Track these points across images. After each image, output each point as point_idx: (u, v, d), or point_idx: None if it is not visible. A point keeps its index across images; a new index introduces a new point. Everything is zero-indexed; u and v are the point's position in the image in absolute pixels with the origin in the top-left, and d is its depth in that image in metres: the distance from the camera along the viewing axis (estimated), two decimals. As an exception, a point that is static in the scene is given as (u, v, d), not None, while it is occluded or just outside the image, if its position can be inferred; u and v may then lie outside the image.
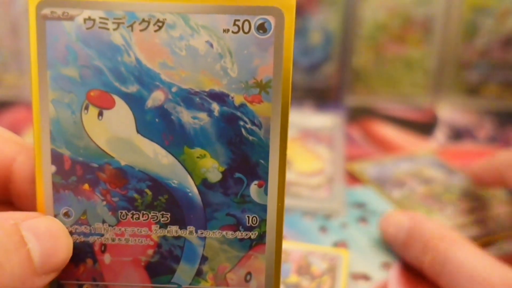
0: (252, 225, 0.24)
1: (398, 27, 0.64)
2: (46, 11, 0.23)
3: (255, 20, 0.22)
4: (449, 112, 0.67)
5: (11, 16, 0.68)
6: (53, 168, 0.24)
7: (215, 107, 0.23)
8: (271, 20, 0.22)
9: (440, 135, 0.62)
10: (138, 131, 0.23)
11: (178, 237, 0.24)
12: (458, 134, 0.62)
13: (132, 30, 0.23)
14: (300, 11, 0.61)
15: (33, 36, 0.23)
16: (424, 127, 0.63)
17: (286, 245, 0.44)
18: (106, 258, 0.24)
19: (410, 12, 0.63)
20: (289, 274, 0.41)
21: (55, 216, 0.24)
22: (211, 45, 0.23)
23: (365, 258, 0.43)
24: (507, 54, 0.64)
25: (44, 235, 0.22)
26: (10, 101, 0.71)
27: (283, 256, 0.43)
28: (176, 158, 0.24)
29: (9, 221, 0.21)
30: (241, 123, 0.23)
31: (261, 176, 0.23)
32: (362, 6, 0.63)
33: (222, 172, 0.24)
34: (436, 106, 0.67)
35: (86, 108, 0.23)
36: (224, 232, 0.24)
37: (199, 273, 0.24)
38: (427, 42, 0.65)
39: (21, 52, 0.70)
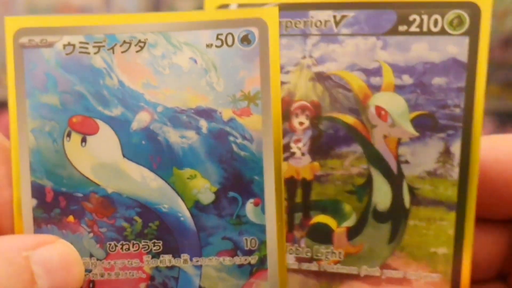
0: (251, 248, 0.21)
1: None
2: (24, 39, 0.21)
3: (239, 33, 0.21)
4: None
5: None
6: (34, 202, 0.21)
7: (203, 124, 0.21)
8: (255, 31, 0.21)
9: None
10: (124, 155, 0.21)
11: (172, 267, 0.22)
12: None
13: (113, 52, 0.21)
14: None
15: (11, 65, 0.21)
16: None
17: None
18: (95, 297, 0.22)
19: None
20: None
21: (38, 254, 0.21)
22: (195, 61, 0.21)
23: None
24: (507, 54, 0.63)
25: (56, 267, 0.19)
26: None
27: None
28: (165, 181, 0.21)
29: (21, 253, 0.19)
30: (231, 138, 0.21)
31: (257, 194, 0.21)
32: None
33: (215, 192, 0.21)
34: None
35: (69, 135, 0.22)
36: (221, 259, 0.22)
37: (197, 307, 0.22)
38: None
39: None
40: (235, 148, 0.21)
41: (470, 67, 0.20)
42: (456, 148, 0.20)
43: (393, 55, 0.21)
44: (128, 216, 0.21)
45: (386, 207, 0.21)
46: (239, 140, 0.21)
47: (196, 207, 0.21)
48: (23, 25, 0.21)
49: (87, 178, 0.21)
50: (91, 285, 0.21)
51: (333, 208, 0.21)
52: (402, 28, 0.20)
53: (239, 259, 0.21)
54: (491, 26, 0.20)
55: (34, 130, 0.21)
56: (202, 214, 0.21)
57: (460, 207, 0.20)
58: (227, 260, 0.21)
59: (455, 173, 0.20)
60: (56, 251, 0.20)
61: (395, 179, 0.21)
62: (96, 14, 0.21)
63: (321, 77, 0.21)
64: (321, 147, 0.21)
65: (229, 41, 0.21)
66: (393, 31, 0.20)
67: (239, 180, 0.21)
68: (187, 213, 0.21)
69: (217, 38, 0.21)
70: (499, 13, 0.63)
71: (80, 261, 0.20)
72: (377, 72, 0.21)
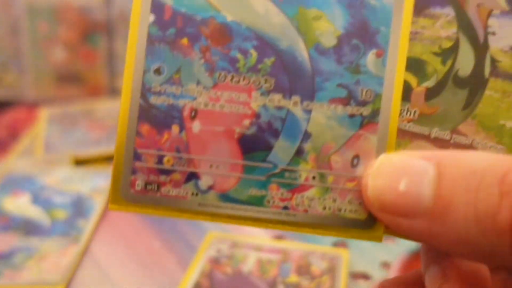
0: (366, 99, 0.20)
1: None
2: None
3: None
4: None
5: (11, 16, 0.66)
6: (151, 18, 0.21)
7: None
8: None
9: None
10: None
11: (280, 108, 0.21)
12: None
13: None
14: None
15: None
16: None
17: (286, 244, 0.40)
18: (195, 126, 0.21)
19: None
20: (289, 274, 0.37)
21: (145, 72, 0.21)
22: None
23: (364, 257, 0.40)
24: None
25: None
26: (10, 101, 0.68)
27: (283, 255, 0.38)
28: (288, 18, 0.21)
29: None
30: None
31: (381, 45, 0.20)
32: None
33: (338, 37, 0.21)
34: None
35: (196, -44, 0.21)
36: (333, 106, 0.21)
37: (299, 153, 0.21)
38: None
39: (21, 52, 0.67)
40: (365, -5, 0.20)
41: None
42: None
43: None
44: (244, 47, 0.20)
45: (467, 74, 0.21)
46: (371, -12, 0.20)
47: (316, 49, 0.20)
48: None
49: (209, 1, 0.20)
50: (193, 114, 0.20)
51: (417, 67, 0.21)
52: None
53: (351, 109, 0.20)
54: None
55: None
56: (321, 57, 0.20)
57: None
58: (339, 108, 0.20)
59: None
60: None
61: (480, 48, 0.21)
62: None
63: None
64: (417, 4, 0.21)
65: None
66: None
67: (364, 28, 0.20)
68: (305, 54, 0.20)
69: None
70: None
71: None
72: None
